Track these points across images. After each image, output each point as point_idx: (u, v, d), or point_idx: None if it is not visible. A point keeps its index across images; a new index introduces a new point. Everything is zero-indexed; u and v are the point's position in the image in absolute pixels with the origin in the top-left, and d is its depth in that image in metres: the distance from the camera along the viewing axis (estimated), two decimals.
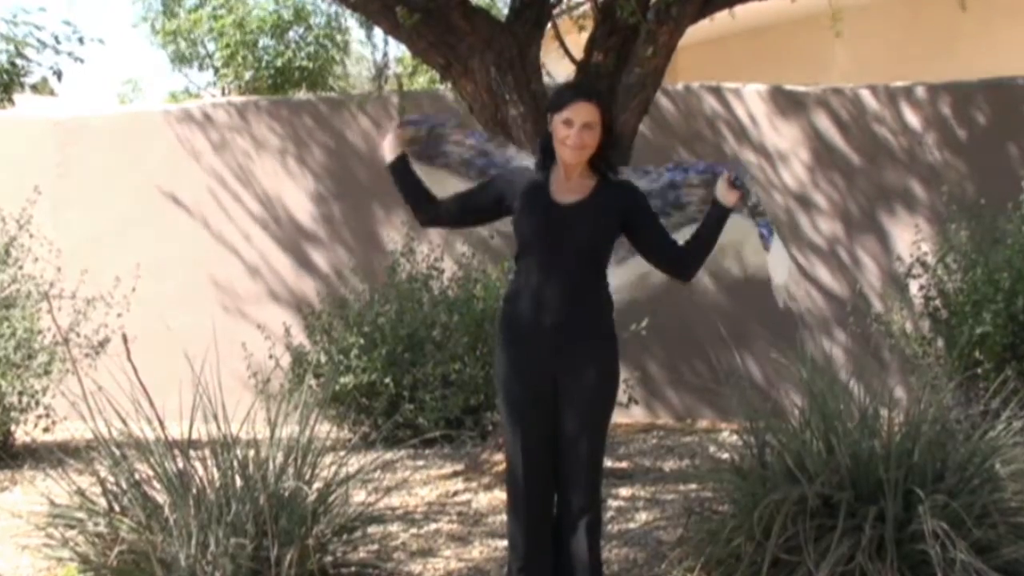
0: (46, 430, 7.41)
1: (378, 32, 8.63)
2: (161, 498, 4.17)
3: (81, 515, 4.25)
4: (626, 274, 4.13)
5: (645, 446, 7.35)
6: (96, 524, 4.18)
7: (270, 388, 6.80)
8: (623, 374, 7.91)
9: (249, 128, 9.22)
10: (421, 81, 13.48)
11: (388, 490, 5.56)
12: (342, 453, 4.55)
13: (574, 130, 3.73)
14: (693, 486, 5.84)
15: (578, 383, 3.75)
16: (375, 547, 4.58)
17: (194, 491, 4.09)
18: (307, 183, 9.10)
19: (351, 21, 12.01)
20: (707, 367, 7.74)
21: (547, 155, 3.85)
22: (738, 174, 3.85)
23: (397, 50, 13.01)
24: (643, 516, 5.53)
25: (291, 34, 13.01)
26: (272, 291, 9.07)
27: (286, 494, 4.18)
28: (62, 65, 16.71)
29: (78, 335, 7.45)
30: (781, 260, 3.89)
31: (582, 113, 3.74)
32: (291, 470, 4.25)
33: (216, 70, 13.23)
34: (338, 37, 13.20)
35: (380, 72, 8.35)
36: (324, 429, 5.74)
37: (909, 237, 7.44)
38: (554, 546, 3.82)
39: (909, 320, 6.95)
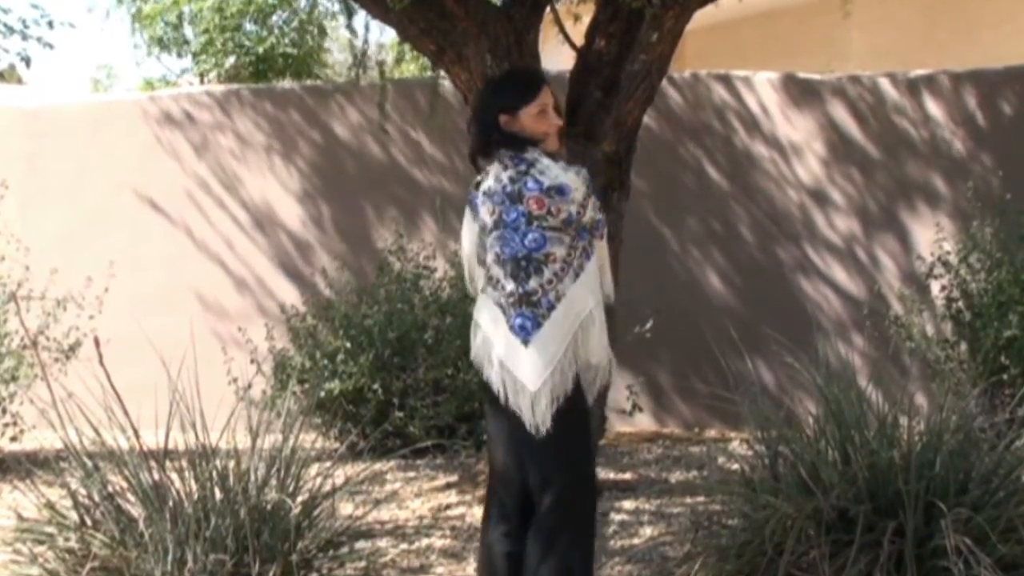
0: (13, 439, 7.41)
1: (359, 19, 8.60)
2: (136, 511, 4.17)
3: (51, 530, 4.25)
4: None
5: (650, 456, 7.36)
6: (67, 539, 4.17)
7: (251, 395, 6.81)
8: (627, 379, 7.94)
9: (230, 118, 9.21)
10: (412, 68, 13.48)
11: (377, 503, 5.56)
12: (328, 464, 4.55)
13: (552, 116, 3.90)
14: (701, 499, 5.84)
15: None
16: (363, 563, 4.58)
17: (171, 504, 4.09)
18: (291, 177, 9.10)
19: (336, 6, 11.99)
20: (716, 373, 7.72)
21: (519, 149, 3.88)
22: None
23: (382, 35, 13.01)
24: (648, 531, 5.54)
25: (274, 19, 12.99)
26: (253, 292, 9.07)
27: (268, 507, 4.18)
28: (31, 51, 16.63)
29: (47, 338, 7.45)
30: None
31: (550, 97, 3.94)
32: (274, 482, 4.25)
33: (194, 56, 13.21)
34: (325, 22, 13.19)
35: (359, 61, 8.30)
36: (309, 438, 5.73)
37: (930, 235, 7.45)
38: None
39: (930, 323, 6.95)
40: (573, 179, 3.78)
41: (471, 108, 4.20)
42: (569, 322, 3.71)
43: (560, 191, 3.75)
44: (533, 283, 3.71)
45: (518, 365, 3.69)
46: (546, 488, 3.74)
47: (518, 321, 3.70)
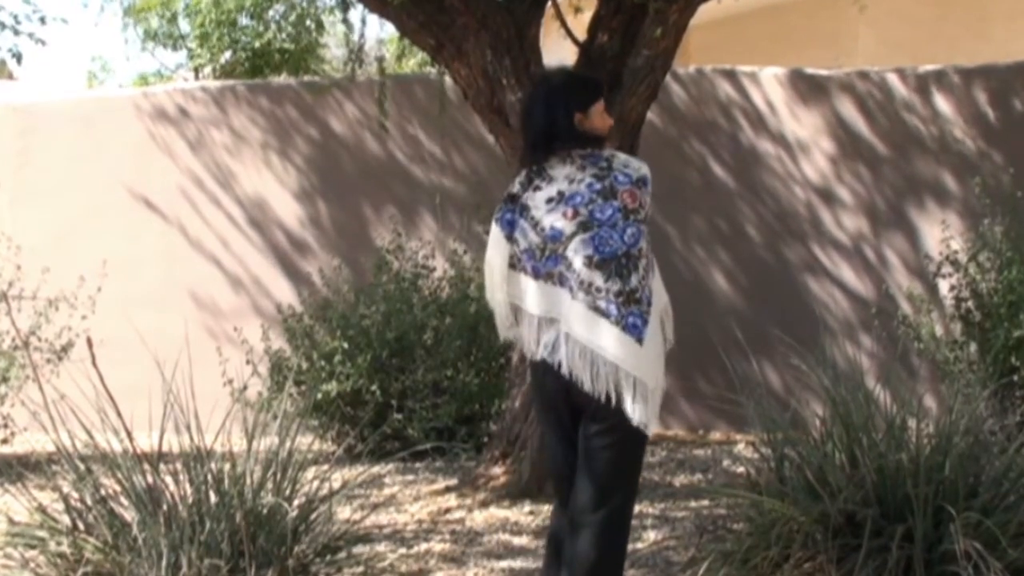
0: (4, 441, 7.42)
1: (356, 13, 8.59)
2: (129, 515, 4.17)
3: (42, 534, 4.25)
4: None
5: (654, 459, 7.36)
6: (59, 543, 4.17)
7: (247, 396, 6.81)
8: None
9: (225, 114, 9.21)
10: (411, 64, 13.48)
11: (375, 507, 5.57)
12: (325, 467, 4.55)
13: (606, 113, 3.96)
14: (706, 503, 5.85)
15: None
16: (361, 569, 4.57)
17: (165, 508, 4.09)
18: (288, 174, 9.10)
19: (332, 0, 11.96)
20: (721, 374, 7.73)
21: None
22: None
23: (382, 31, 12.97)
24: (652, 535, 5.54)
25: (271, 13, 12.99)
26: (249, 291, 9.07)
27: (264, 511, 4.18)
28: (22, 47, 16.63)
29: (39, 339, 7.45)
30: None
31: None
32: (270, 485, 4.25)
33: (190, 51, 13.21)
34: (323, 17, 13.18)
35: (356, 56, 8.28)
36: (305, 441, 5.74)
37: (939, 233, 7.45)
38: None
39: (939, 323, 6.95)
40: (648, 171, 3.83)
41: (527, 110, 4.06)
42: (659, 316, 3.76)
43: (644, 182, 3.79)
44: (634, 280, 3.69)
45: (639, 364, 3.65)
46: (601, 502, 3.72)
47: (630, 320, 3.66)
